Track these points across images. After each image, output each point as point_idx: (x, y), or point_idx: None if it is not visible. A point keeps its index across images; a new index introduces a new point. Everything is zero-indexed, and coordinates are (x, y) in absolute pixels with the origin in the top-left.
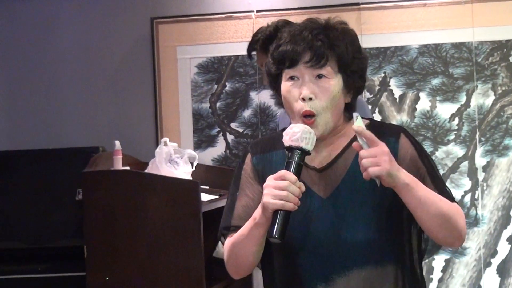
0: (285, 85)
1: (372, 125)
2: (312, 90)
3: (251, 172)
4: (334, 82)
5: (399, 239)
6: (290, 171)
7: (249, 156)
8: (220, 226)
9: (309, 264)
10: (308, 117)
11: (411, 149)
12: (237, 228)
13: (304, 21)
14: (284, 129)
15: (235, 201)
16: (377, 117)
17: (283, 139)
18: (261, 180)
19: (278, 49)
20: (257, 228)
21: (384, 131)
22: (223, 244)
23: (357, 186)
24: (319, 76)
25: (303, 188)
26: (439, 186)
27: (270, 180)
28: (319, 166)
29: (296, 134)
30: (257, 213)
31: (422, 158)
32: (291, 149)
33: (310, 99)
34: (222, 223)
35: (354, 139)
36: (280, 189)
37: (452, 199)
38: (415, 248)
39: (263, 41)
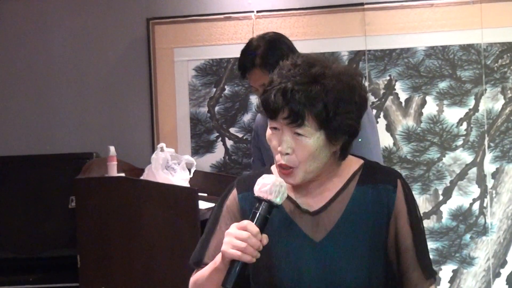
0: (268, 132)
1: (366, 168)
2: (288, 145)
3: (234, 210)
4: (312, 141)
5: (389, 284)
6: (254, 222)
7: (234, 192)
8: (191, 258)
9: None
10: (284, 169)
11: (404, 210)
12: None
13: (297, 62)
14: (271, 163)
15: (211, 237)
16: (382, 122)
17: (254, 188)
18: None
19: (265, 94)
20: (217, 273)
21: (379, 177)
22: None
23: (351, 229)
24: (298, 134)
25: (265, 242)
26: (423, 261)
27: (233, 229)
28: (311, 209)
29: (265, 186)
30: (218, 258)
31: (412, 224)
32: (259, 200)
33: (287, 153)
34: (194, 256)
35: (350, 181)
36: (240, 239)
37: (432, 276)
38: None
39: (260, 58)
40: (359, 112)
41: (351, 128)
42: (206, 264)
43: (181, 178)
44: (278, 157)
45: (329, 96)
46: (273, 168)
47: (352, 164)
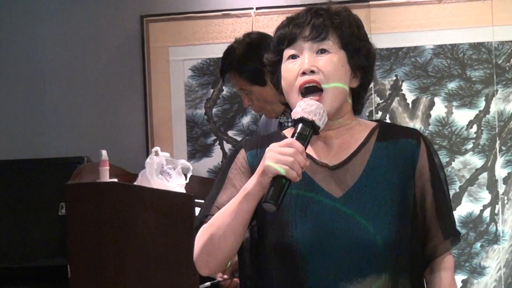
0: (285, 65)
1: (383, 126)
2: (312, 63)
3: (243, 166)
4: (338, 56)
5: (416, 243)
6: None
7: (242, 151)
8: (197, 216)
9: (317, 271)
10: (312, 93)
11: (427, 167)
12: None
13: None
14: (279, 128)
15: (218, 191)
16: None
17: (294, 111)
18: None
19: (277, 33)
20: (248, 200)
21: (400, 133)
22: None
23: (375, 184)
24: (321, 51)
25: (308, 163)
26: (442, 221)
27: (275, 146)
28: (331, 163)
29: (311, 106)
30: (250, 183)
31: (433, 183)
32: (302, 121)
33: (312, 72)
34: (200, 213)
35: (368, 137)
36: (285, 155)
37: (449, 236)
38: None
39: (236, 62)
40: (372, 49)
41: (370, 55)
42: None
43: (176, 184)
44: (299, 79)
45: (351, 20)
46: (286, 131)
47: (368, 123)
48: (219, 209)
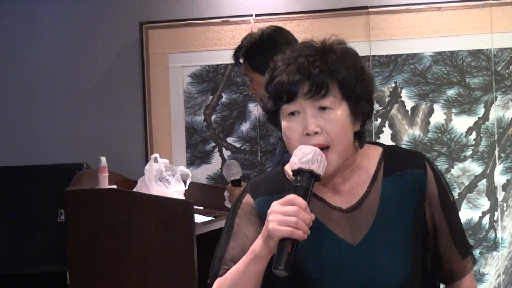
0: (285, 123)
1: (387, 154)
2: (317, 124)
3: (252, 214)
4: (340, 112)
5: (431, 276)
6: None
7: (249, 198)
8: (212, 268)
9: None
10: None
11: (436, 193)
12: None
13: (298, 46)
14: (283, 164)
15: (229, 241)
16: (387, 131)
17: (291, 161)
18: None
19: (273, 81)
20: (256, 263)
21: (404, 162)
22: None
23: (389, 225)
24: (323, 108)
25: (313, 216)
26: (458, 243)
27: (276, 206)
28: (344, 206)
29: (306, 156)
30: (257, 244)
31: (444, 207)
32: (300, 172)
33: (316, 133)
34: (214, 265)
35: (376, 173)
36: (288, 215)
37: (467, 254)
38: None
39: (246, 49)
40: (372, 83)
41: (371, 98)
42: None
43: (175, 191)
44: (304, 141)
45: (347, 62)
46: (287, 167)
47: (371, 152)
48: (233, 262)
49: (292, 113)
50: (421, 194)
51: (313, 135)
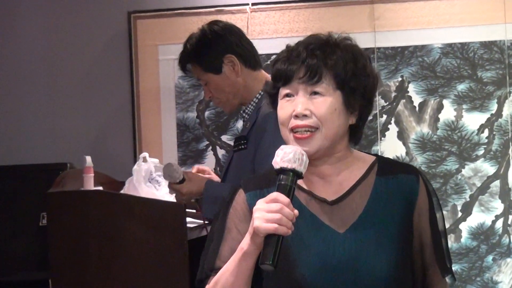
0: (281, 103)
1: (381, 161)
2: (305, 106)
3: (242, 211)
4: (332, 99)
5: (413, 276)
6: (282, 193)
7: (241, 193)
8: (201, 267)
9: None
10: (302, 132)
11: (426, 206)
12: None
13: (306, 37)
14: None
15: (220, 243)
16: (393, 128)
17: (273, 161)
18: None
19: (274, 66)
20: (246, 260)
21: (398, 168)
22: None
23: (377, 220)
24: (315, 93)
25: (297, 213)
26: (440, 260)
27: (261, 204)
28: (329, 198)
29: (288, 155)
30: (245, 242)
31: (431, 221)
32: (283, 171)
33: (305, 116)
34: (204, 264)
35: (368, 172)
36: (272, 212)
37: (447, 275)
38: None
39: (191, 51)
40: (372, 82)
41: (368, 93)
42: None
43: (166, 192)
44: (292, 121)
45: (348, 56)
46: (276, 154)
47: (366, 157)
48: (223, 262)
49: (287, 95)
50: (411, 200)
51: (301, 117)
